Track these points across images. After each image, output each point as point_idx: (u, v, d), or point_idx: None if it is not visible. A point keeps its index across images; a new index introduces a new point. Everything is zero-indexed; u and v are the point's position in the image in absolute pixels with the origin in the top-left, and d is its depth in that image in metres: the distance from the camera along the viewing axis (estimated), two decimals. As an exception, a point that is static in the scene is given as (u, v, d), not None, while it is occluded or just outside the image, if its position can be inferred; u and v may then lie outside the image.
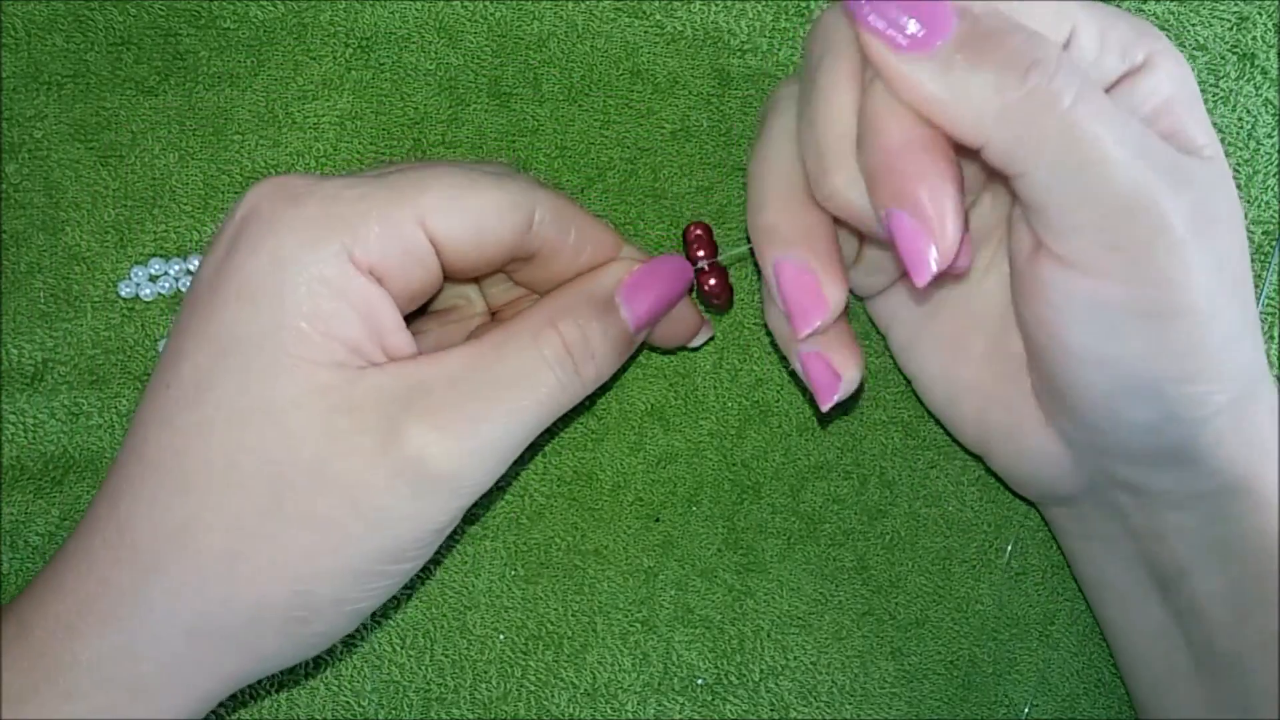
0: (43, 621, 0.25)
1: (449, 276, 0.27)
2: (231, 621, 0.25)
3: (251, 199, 0.25)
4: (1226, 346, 0.25)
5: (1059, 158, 0.23)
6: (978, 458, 0.32)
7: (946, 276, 0.26)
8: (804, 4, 0.34)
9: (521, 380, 0.26)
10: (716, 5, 0.34)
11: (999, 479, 0.33)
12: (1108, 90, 0.25)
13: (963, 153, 0.25)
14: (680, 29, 0.34)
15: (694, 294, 0.32)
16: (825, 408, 0.28)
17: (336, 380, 0.24)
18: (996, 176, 0.27)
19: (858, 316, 0.34)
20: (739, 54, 0.34)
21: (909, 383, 0.33)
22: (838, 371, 0.28)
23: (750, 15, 0.34)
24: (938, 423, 0.33)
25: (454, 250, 0.26)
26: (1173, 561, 0.28)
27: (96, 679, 0.24)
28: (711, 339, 0.33)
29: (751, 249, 0.28)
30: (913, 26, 0.23)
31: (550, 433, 0.33)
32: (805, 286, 0.27)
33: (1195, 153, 0.25)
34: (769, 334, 0.34)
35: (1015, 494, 0.33)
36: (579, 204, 0.29)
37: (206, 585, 0.24)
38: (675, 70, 0.34)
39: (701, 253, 0.31)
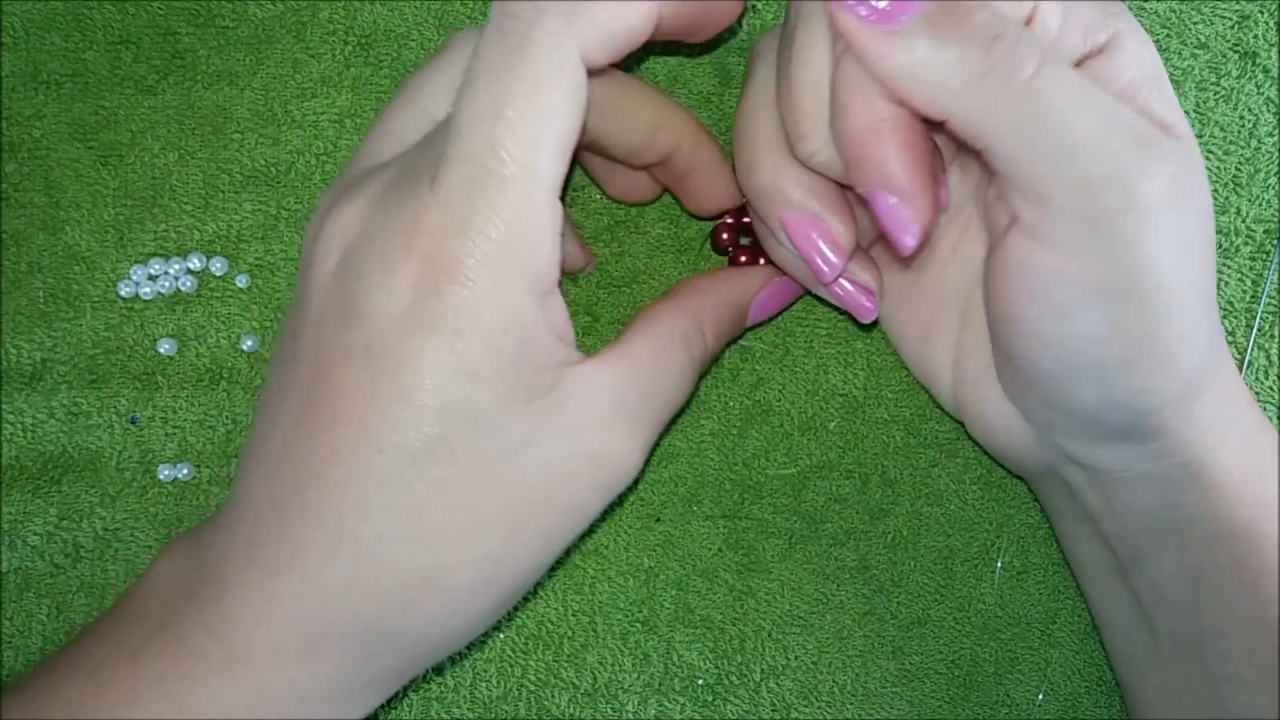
0: (266, 649, 0.25)
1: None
2: (464, 628, 0.26)
3: (415, 255, 0.24)
4: (1180, 339, 0.25)
5: (1024, 128, 0.23)
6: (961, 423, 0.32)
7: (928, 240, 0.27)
8: (804, 2, 0.34)
9: (680, 383, 0.28)
10: (717, 4, 0.34)
11: (991, 457, 0.33)
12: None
13: (931, 126, 0.25)
14: (680, 27, 0.34)
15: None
16: (867, 321, 0.30)
17: (549, 409, 0.25)
18: (966, 151, 0.27)
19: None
20: (739, 53, 0.34)
21: (908, 375, 0.33)
22: (867, 286, 0.29)
23: (751, 15, 0.34)
24: (937, 420, 0.33)
25: (565, 160, 0.25)
26: (1130, 543, 0.29)
27: (328, 692, 0.26)
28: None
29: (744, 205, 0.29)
30: (881, 1, 0.23)
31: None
32: (821, 235, 0.27)
33: (1165, 130, 0.25)
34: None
35: (1017, 478, 0.33)
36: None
37: (455, 610, 0.26)
38: (676, 69, 0.34)
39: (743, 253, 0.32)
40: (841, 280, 0.29)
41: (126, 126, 0.34)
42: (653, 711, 0.33)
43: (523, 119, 0.23)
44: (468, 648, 0.33)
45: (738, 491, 0.33)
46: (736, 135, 0.28)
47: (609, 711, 0.32)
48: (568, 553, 0.33)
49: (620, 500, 0.33)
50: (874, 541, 0.33)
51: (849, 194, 0.28)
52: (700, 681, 0.33)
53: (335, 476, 0.24)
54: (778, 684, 0.33)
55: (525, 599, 0.33)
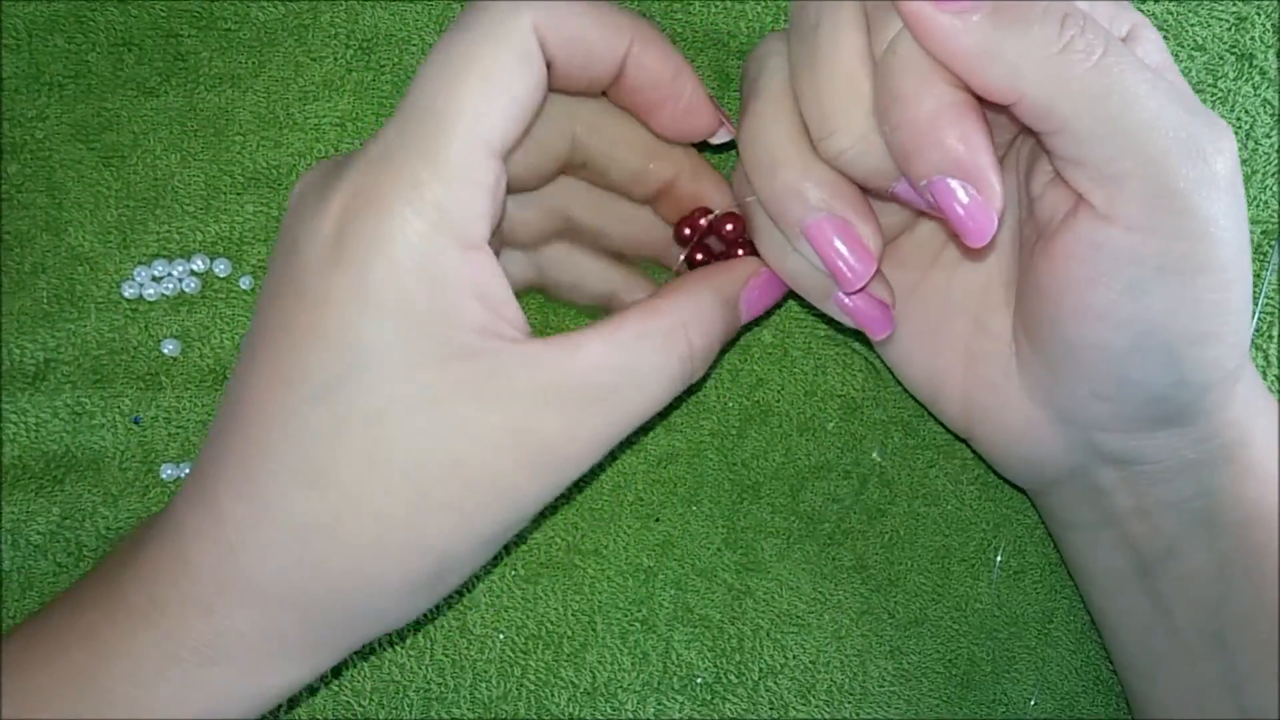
0: (179, 597, 0.25)
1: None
2: (378, 596, 0.25)
3: (344, 190, 0.24)
4: (1240, 312, 0.26)
5: (1099, 107, 0.23)
6: (965, 443, 0.32)
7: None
8: (803, 5, 0.34)
9: (649, 383, 0.26)
10: (717, 7, 0.34)
11: (990, 467, 0.33)
12: None
13: (991, 110, 0.25)
14: (681, 30, 0.34)
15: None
16: (882, 336, 0.29)
17: (469, 373, 0.24)
18: (1027, 134, 0.27)
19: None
20: (740, 56, 0.34)
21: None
22: (881, 300, 0.28)
23: (750, 17, 0.34)
24: (935, 420, 0.33)
25: (515, 138, 0.25)
26: (1158, 540, 0.29)
27: (239, 647, 0.25)
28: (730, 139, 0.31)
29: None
30: None
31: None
32: (848, 239, 0.26)
33: None
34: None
35: (1013, 485, 0.33)
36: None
37: (358, 570, 0.25)
38: (675, 71, 0.34)
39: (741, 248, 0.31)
40: (856, 296, 0.28)
41: (129, 128, 0.34)
42: (651, 710, 0.33)
43: (468, 72, 0.24)
44: (468, 648, 0.33)
45: (736, 491, 0.33)
46: (748, 141, 0.27)
47: (608, 710, 0.33)
48: (565, 551, 0.33)
49: (620, 500, 0.33)
50: (871, 541, 0.33)
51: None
52: (699, 680, 0.33)
53: (249, 415, 0.24)
54: (776, 683, 0.33)
55: (525, 599, 0.33)
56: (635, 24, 0.27)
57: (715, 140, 0.30)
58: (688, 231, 0.30)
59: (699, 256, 0.31)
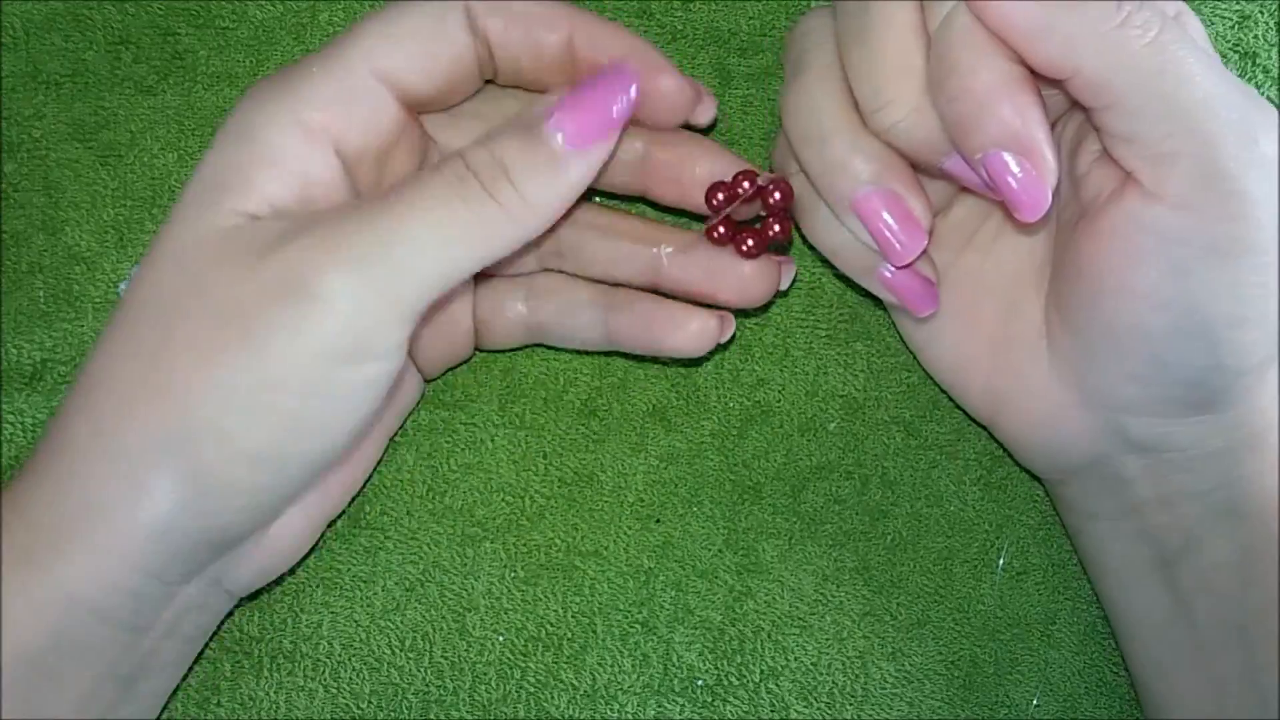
0: (21, 473, 0.26)
1: (429, 107, 0.28)
2: (119, 453, 0.25)
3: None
4: (1277, 296, 0.26)
5: (1154, 84, 0.24)
6: (986, 429, 0.32)
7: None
8: (805, 4, 0.34)
9: (415, 207, 0.24)
10: (718, 5, 0.34)
11: (1010, 455, 0.33)
12: None
13: (1045, 84, 0.25)
14: (682, 29, 0.34)
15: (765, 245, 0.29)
16: (926, 314, 0.28)
17: (243, 225, 0.25)
18: (1078, 109, 0.27)
19: (849, 293, 0.34)
20: (740, 54, 0.34)
21: (909, 376, 0.33)
22: (928, 277, 0.28)
23: (752, 15, 0.34)
24: (937, 421, 0.33)
25: (415, 83, 0.27)
26: (1179, 531, 0.28)
27: (18, 525, 0.25)
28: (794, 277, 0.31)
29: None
30: None
31: (550, 433, 0.33)
32: (898, 213, 0.26)
33: None
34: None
35: (1028, 475, 0.33)
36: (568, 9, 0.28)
37: (99, 418, 0.25)
38: (681, 69, 0.34)
39: (778, 194, 0.28)
40: (901, 272, 0.28)
41: (126, 127, 0.34)
42: (652, 713, 0.33)
43: (377, 18, 0.26)
44: (467, 650, 0.33)
45: (737, 492, 0.33)
46: (795, 113, 0.27)
47: (608, 713, 0.32)
48: (565, 553, 0.33)
49: (620, 501, 0.33)
50: (873, 542, 0.33)
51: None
52: (699, 683, 0.33)
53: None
54: (777, 685, 0.33)
55: (525, 601, 0.33)
56: (575, 11, 0.28)
57: (698, 120, 0.29)
58: (720, 198, 0.28)
59: (721, 231, 0.29)
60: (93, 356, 0.26)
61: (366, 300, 0.24)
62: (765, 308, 0.33)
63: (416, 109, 0.28)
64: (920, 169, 0.27)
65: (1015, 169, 0.24)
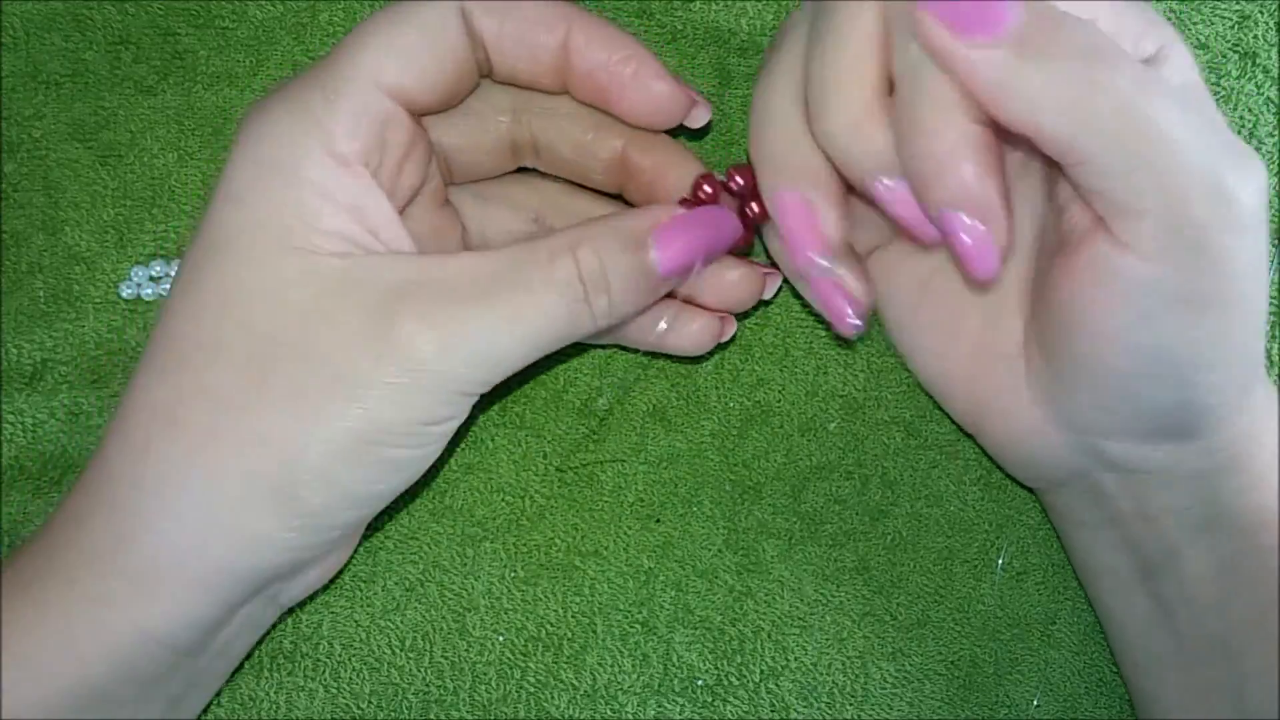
0: (60, 515, 0.26)
1: (432, 111, 0.28)
2: (219, 499, 0.25)
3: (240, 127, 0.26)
4: (1253, 339, 0.26)
5: (1123, 142, 0.23)
6: (972, 438, 0.32)
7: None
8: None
9: (524, 295, 0.25)
10: (718, 5, 0.34)
11: (995, 464, 0.33)
12: None
13: (1005, 138, 0.24)
14: (681, 28, 0.34)
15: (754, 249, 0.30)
16: (845, 332, 0.28)
17: (331, 266, 0.25)
18: (1040, 160, 0.26)
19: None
20: (740, 53, 0.34)
21: (909, 376, 0.33)
22: (851, 294, 0.28)
23: (751, 15, 0.34)
24: (936, 421, 0.33)
25: (420, 92, 0.26)
26: (1160, 544, 0.28)
27: (95, 567, 0.25)
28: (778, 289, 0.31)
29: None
30: (977, 13, 0.23)
31: (551, 433, 0.33)
32: (802, 218, 0.26)
33: None
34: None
35: (1018, 484, 0.33)
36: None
37: (193, 463, 0.24)
38: (677, 69, 0.34)
39: (755, 206, 0.29)
40: (822, 281, 0.27)
41: (126, 127, 0.34)
42: (652, 712, 0.33)
43: (379, 24, 0.26)
44: (467, 650, 0.33)
45: (737, 492, 0.33)
46: (754, 100, 0.27)
47: (608, 713, 0.32)
48: (565, 553, 0.33)
49: (621, 501, 0.33)
50: (873, 542, 0.33)
51: (852, 194, 0.28)
52: (700, 682, 0.33)
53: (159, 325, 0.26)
54: (777, 685, 0.33)
55: (525, 601, 0.33)
56: (572, 10, 0.27)
57: (693, 124, 0.29)
58: (707, 190, 0.29)
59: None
60: (153, 390, 0.25)
61: (467, 380, 0.25)
62: (756, 309, 0.33)
63: (420, 114, 0.28)
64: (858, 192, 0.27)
65: (969, 230, 0.24)
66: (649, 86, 0.28)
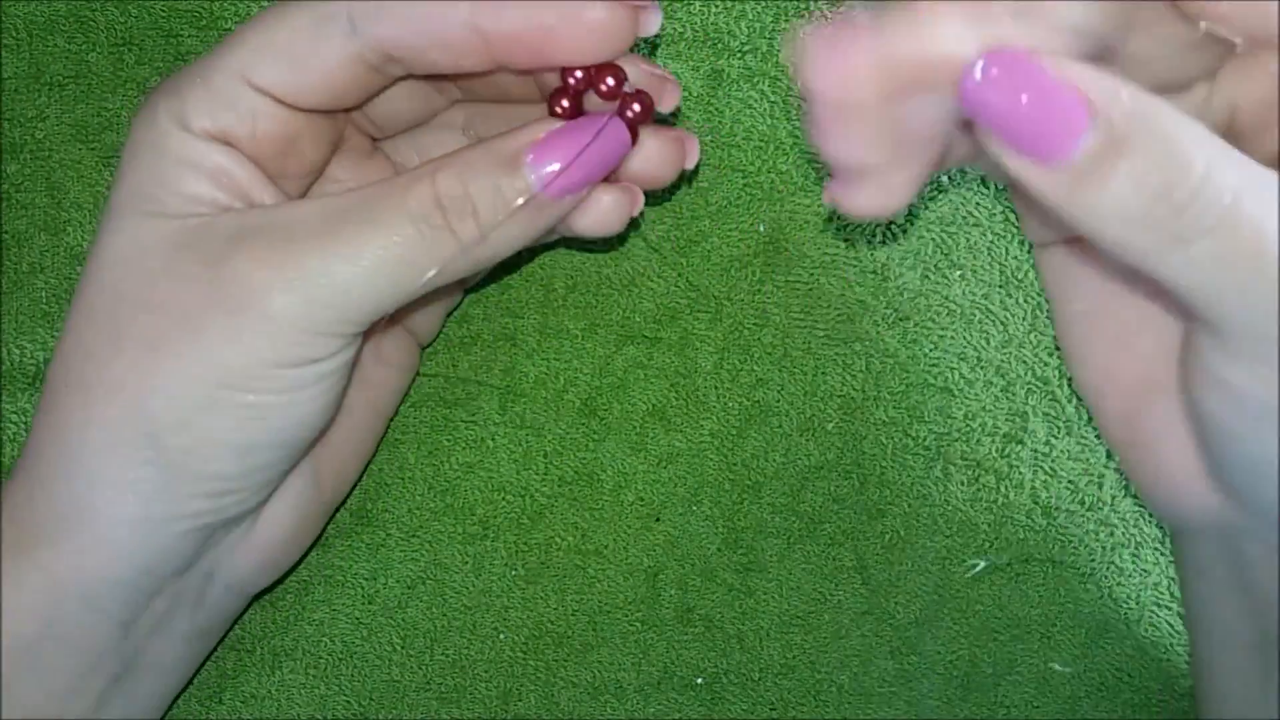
0: (14, 470, 0.27)
1: (324, 110, 0.27)
2: (91, 448, 0.26)
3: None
4: None
5: (1221, 262, 0.20)
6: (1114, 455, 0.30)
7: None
8: (803, 5, 0.34)
9: (369, 228, 0.24)
10: (715, 6, 0.34)
11: (1131, 485, 0.32)
12: None
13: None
14: (680, 30, 0.34)
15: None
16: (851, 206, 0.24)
17: (185, 226, 0.25)
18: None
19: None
20: (738, 55, 0.34)
21: (908, 377, 0.33)
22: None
23: (749, 16, 0.34)
24: (935, 421, 0.33)
25: (290, 91, 0.26)
26: None
27: (15, 517, 0.27)
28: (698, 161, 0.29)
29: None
30: (1038, 140, 0.20)
31: (551, 432, 0.33)
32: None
33: None
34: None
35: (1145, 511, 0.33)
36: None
37: (71, 416, 0.26)
38: (674, 70, 0.34)
39: (636, 106, 0.26)
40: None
41: (129, 129, 0.34)
42: (653, 710, 0.33)
43: (255, 23, 0.26)
44: (469, 648, 0.33)
45: (737, 492, 0.33)
46: None
47: (609, 711, 0.33)
48: (567, 552, 0.33)
49: (621, 500, 0.33)
50: (871, 541, 0.33)
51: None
52: (700, 680, 0.33)
53: None
54: (777, 683, 0.33)
55: (526, 599, 0.33)
56: None
57: (645, 31, 0.26)
58: (560, 103, 0.26)
59: (565, 106, 0.26)
60: (54, 359, 0.27)
61: (313, 319, 0.25)
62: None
63: (309, 110, 0.27)
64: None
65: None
66: (580, 18, 0.25)
